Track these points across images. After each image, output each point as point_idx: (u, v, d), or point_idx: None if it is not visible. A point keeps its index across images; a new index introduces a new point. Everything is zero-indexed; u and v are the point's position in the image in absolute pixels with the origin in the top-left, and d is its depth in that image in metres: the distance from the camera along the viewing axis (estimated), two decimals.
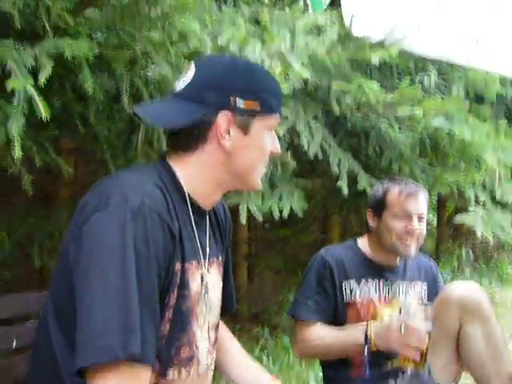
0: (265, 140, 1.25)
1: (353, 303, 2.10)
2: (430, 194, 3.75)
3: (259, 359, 3.94)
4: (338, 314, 2.10)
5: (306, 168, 3.15)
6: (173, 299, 1.15)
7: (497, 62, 2.16)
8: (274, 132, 1.31)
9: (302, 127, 2.66)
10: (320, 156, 2.71)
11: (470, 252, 7.49)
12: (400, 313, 1.98)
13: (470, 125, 3.00)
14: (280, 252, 5.58)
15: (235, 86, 1.21)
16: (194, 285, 1.22)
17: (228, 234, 1.47)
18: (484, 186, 3.96)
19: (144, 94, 2.00)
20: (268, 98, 1.23)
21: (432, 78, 3.51)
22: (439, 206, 7.53)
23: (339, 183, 2.69)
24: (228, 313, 1.52)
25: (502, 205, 4.23)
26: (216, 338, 1.36)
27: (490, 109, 4.70)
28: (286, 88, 2.21)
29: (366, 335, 1.93)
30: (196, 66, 1.24)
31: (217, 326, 1.37)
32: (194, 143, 1.23)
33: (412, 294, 2.17)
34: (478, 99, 4.30)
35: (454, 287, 1.99)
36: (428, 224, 7.48)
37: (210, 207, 1.32)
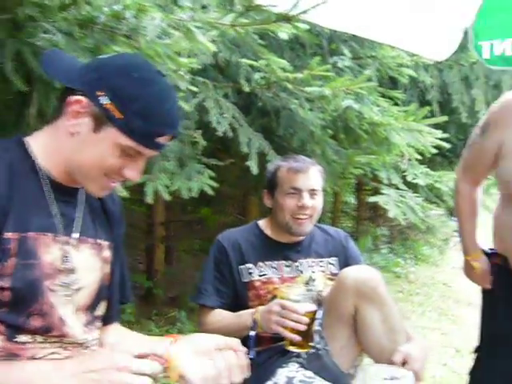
0: (110, 153, 1.18)
1: (252, 285, 2.09)
2: (345, 177, 3.80)
3: None
4: (239, 297, 2.10)
5: (218, 147, 3.09)
6: (7, 268, 1.14)
7: (406, 38, 2.16)
8: (139, 162, 1.23)
9: (212, 104, 2.59)
10: (230, 135, 2.64)
11: (386, 232, 7.70)
12: (307, 290, 2.00)
13: (379, 106, 3.02)
14: (198, 234, 5.53)
15: (112, 85, 1.16)
16: (47, 256, 1.20)
17: (118, 223, 1.44)
18: (396, 169, 4.04)
19: (33, 64, 1.85)
20: (138, 123, 1.16)
21: (346, 60, 3.51)
22: (358, 187, 7.68)
23: (248, 163, 2.64)
24: (124, 303, 1.53)
25: (414, 187, 4.33)
26: (92, 320, 1.32)
27: (404, 92, 4.82)
28: (194, 63, 2.13)
29: (254, 318, 1.91)
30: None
31: (90, 308, 1.32)
32: (56, 113, 1.20)
33: (318, 270, 2.17)
34: (394, 83, 4.37)
35: (349, 271, 1.97)
36: (347, 204, 7.65)
37: (76, 186, 1.29)
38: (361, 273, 1.94)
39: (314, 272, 2.16)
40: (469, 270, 2.17)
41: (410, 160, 3.92)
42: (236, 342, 1.21)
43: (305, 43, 3.23)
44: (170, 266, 5.41)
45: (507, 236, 1.98)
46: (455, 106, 4.86)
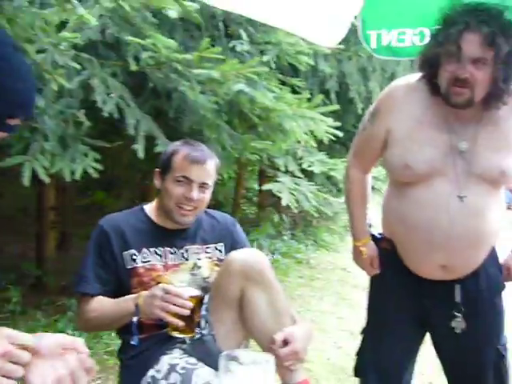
0: None
1: (135, 271, 2.00)
2: (241, 162, 3.78)
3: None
4: (122, 284, 2.00)
5: (106, 129, 2.95)
6: None
7: (297, 23, 2.13)
8: None
9: (98, 83, 2.45)
10: (117, 116, 2.52)
11: (286, 219, 7.80)
12: (191, 276, 1.97)
13: (274, 92, 3.01)
14: (96, 219, 5.32)
15: None
16: None
17: None
18: (294, 155, 4.08)
19: None
20: None
21: (245, 44, 3.47)
22: (260, 173, 7.71)
23: (135, 146, 2.53)
24: None
25: (311, 174, 4.41)
26: None
27: (305, 80, 4.88)
28: (78, 38, 2.00)
29: (137, 303, 1.84)
30: None
31: None
32: None
33: (204, 256, 2.12)
34: (295, 70, 4.39)
35: (236, 255, 1.93)
36: (251, 191, 7.63)
37: None
38: (247, 256, 1.91)
39: (199, 259, 2.10)
40: (357, 256, 2.17)
41: (305, 147, 3.97)
42: (80, 343, 1.12)
43: (200, 25, 3.15)
44: (66, 253, 5.18)
45: (394, 221, 2.02)
46: (352, 96, 4.98)
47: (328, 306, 5.68)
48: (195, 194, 2.00)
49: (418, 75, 1.96)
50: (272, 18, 2.15)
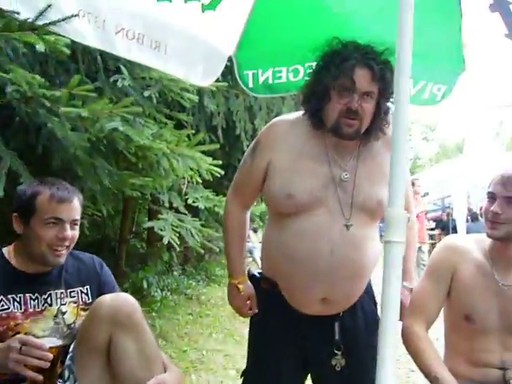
0: None
1: None
2: (118, 199, 3.65)
3: None
4: None
5: None
6: None
7: (170, 61, 2.12)
8: None
9: None
10: None
11: (176, 254, 7.68)
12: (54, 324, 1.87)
13: (151, 129, 2.96)
14: None
15: None
16: None
17: None
18: (179, 191, 4.03)
19: None
20: None
21: (127, 79, 3.39)
22: (150, 208, 7.56)
23: None
24: None
25: (196, 210, 4.36)
26: None
27: (192, 116, 4.87)
28: None
29: None
30: None
31: None
32: None
33: (69, 301, 2.01)
34: (183, 106, 4.35)
35: (103, 299, 1.85)
36: (139, 225, 7.34)
37: None
38: (115, 300, 1.83)
39: (64, 304, 1.99)
40: (233, 295, 2.13)
41: (191, 183, 3.93)
42: None
43: (77, 59, 3.04)
44: None
45: (275, 255, 1.99)
46: (239, 133, 5.03)
47: (216, 343, 5.61)
48: (69, 233, 1.92)
49: (299, 113, 2.03)
50: (145, 57, 2.12)
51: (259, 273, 2.13)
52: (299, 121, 2.00)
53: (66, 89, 2.36)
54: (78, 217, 1.98)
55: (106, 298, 1.87)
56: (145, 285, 5.76)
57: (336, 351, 1.96)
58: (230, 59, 2.29)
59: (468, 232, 12.30)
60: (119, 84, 3.30)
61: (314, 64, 2.00)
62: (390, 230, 1.49)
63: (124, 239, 6.14)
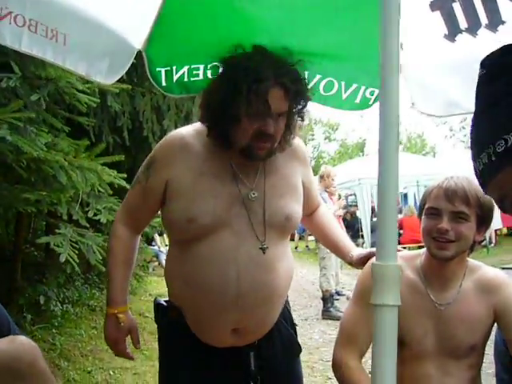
0: None
1: None
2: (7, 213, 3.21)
3: None
4: None
5: None
6: None
7: (73, 57, 1.80)
8: None
9: None
10: None
11: (75, 264, 7.17)
12: None
13: (44, 139, 2.56)
14: None
15: None
16: None
17: None
18: (79, 204, 3.63)
19: None
20: None
21: (14, 79, 2.94)
22: None
23: None
24: None
25: (97, 222, 3.97)
26: None
27: (94, 117, 4.46)
28: None
29: None
30: None
31: None
32: None
33: None
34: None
35: None
36: (37, 234, 6.77)
37: None
38: (12, 346, 1.57)
39: None
40: (111, 326, 1.89)
41: (92, 192, 3.55)
42: None
43: None
44: None
45: (179, 284, 1.83)
46: (146, 134, 4.68)
47: (123, 360, 5.20)
48: None
49: (196, 126, 1.87)
50: (39, 49, 1.77)
51: (166, 301, 1.93)
52: (199, 135, 1.83)
53: None
54: None
55: (0, 344, 1.57)
56: (41, 301, 5.24)
57: (251, 383, 1.84)
58: (137, 54, 1.98)
59: (373, 230, 12.62)
60: (3, 84, 2.84)
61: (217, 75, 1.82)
62: (381, 290, 1.20)
63: (19, 249, 5.59)
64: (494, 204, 1.68)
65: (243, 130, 1.70)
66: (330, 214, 2.28)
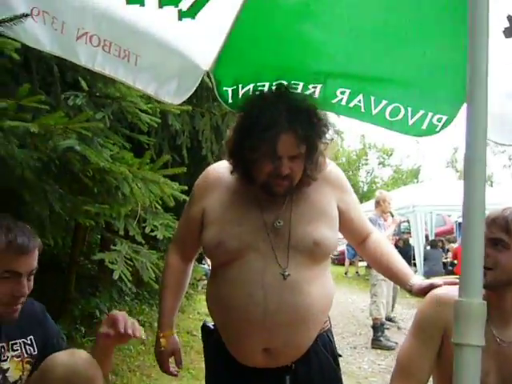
0: None
1: None
2: (69, 227, 3.28)
3: None
4: None
5: None
6: None
7: (141, 75, 1.85)
8: None
9: None
10: None
11: (127, 280, 7.26)
12: None
13: (110, 150, 2.63)
14: None
15: None
16: None
17: None
18: (135, 218, 3.68)
19: None
20: None
21: (81, 96, 3.03)
22: None
23: None
24: None
25: (153, 239, 4.01)
26: None
27: (155, 136, 4.55)
28: None
29: None
30: None
31: None
32: None
33: (11, 355, 1.74)
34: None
35: (57, 358, 1.63)
36: (93, 247, 6.89)
37: None
38: (72, 360, 1.60)
39: (5, 360, 1.72)
40: (156, 347, 2.09)
41: (149, 207, 3.60)
42: None
43: (30, 67, 2.68)
44: None
45: (215, 307, 1.95)
46: (205, 153, 4.73)
47: (170, 377, 5.20)
48: (25, 288, 1.65)
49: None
50: (112, 68, 1.83)
51: (214, 325, 2.03)
52: (231, 170, 1.97)
53: (13, 99, 2.02)
54: (35, 265, 1.69)
55: (60, 356, 1.63)
56: (97, 313, 5.33)
57: None
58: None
59: (426, 258, 12.31)
60: (70, 102, 2.93)
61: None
62: (464, 328, 1.13)
63: (74, 261, 5.72)
64: None
65: (259, 170, 1.84)
66: (385, 240, 2.26)
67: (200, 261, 11.03)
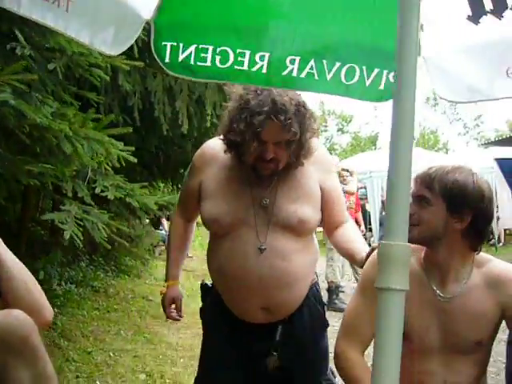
0: None
1: None
2: (12, 187, 3.16)
3: None
4: None
5: None
6: None
7: (80, 26, 1.72)
8: None
9: None
10: None
11: (81, 243, 7.16)
12: None
13: (50, 107, 2.49)
14: None
15: None
16: None
17: None
18: (87, 181, 3.57)
19: None
20: None
21: (26, 49, 2.86)
22: None
23: None
24: None
25: (104, 200, 3.91)
26: None
27: (104, 95, 4.39)
28: None
29: None
30: None
31: None
32: None
33: None
34: (94, 84, 3.86)
35: None
36: (44, 211, 6.63)
37: None
38: (6, 319, 1.59)
39: None
40: (162, 295, 2.39)
41: (99, 169, 3.49)
42: None
43: None
44: None
45: (213, 272, 2.19)
46: (157, 115, 4.59)
47: (124, 342, 5.20)
48: None
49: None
50: (40, 14, 1.70)
51: (212, 283, 2.27)
52: (224, 149, 2.12)
53: None
54: None
55: None
56: (41, 275, 5.17)
57: (273, 352, 2.09)
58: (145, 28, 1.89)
59: (382, 224, 12.51)
60: (18, 52, 2.77)
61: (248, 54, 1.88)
62: (387, 272, 1.08)
63: (25, 227, 5.55)
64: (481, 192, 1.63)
65: (247, 153, 2.01)
66: (355, 230, 2.34)
67: (157, 226, 10.94)
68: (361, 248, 2.15)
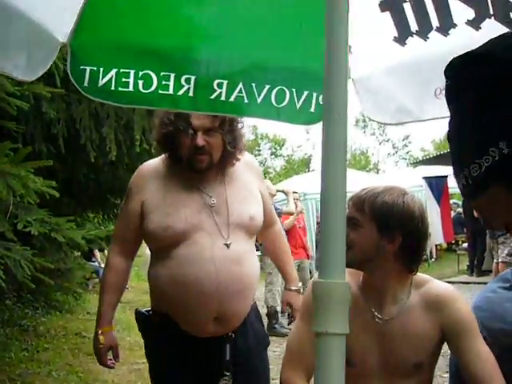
0: None
1: None
2: None
3: None
4: None
5: None
6: None
7: None
8: None
9: None
10: None
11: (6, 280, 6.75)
12: None
13: None
14: None
15: None
16: None
17: None
18: (8, 216, 3.35)
19: None
20: None
21: None
22: None
23: None
24: None
25: (27, 236, 3.68)
26: None
27: (26, 124, 4.19)
28: None
29: None
30: None
31: None
32: None
33: None
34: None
35: None
36: None
37: None
38: None
39: None
40: (96, 342, 2.18)
41: (21, 203, 3.29)
42: None
43: None
44: None
45: (163, 286, 2.10)
46: (83, 142, 4.41)
47: (56, 383, 4.91)
48: None
49: (161, 156, 2.20)
50: None
51: (147, 310, 2.20)
52: (163, 161, 2.18)
53: None
54: None
55: None
56: None
57: (226, 372, 2.08)
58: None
59: (317, 246, 12.60)
60: None
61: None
62: (324, 314, 0.95)
63: None
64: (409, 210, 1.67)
65: (180, 146, 2.06)
66: (283, 236, 2.58)
67: (89, 258, 10.53)
68: (292, 276, 2.48)
